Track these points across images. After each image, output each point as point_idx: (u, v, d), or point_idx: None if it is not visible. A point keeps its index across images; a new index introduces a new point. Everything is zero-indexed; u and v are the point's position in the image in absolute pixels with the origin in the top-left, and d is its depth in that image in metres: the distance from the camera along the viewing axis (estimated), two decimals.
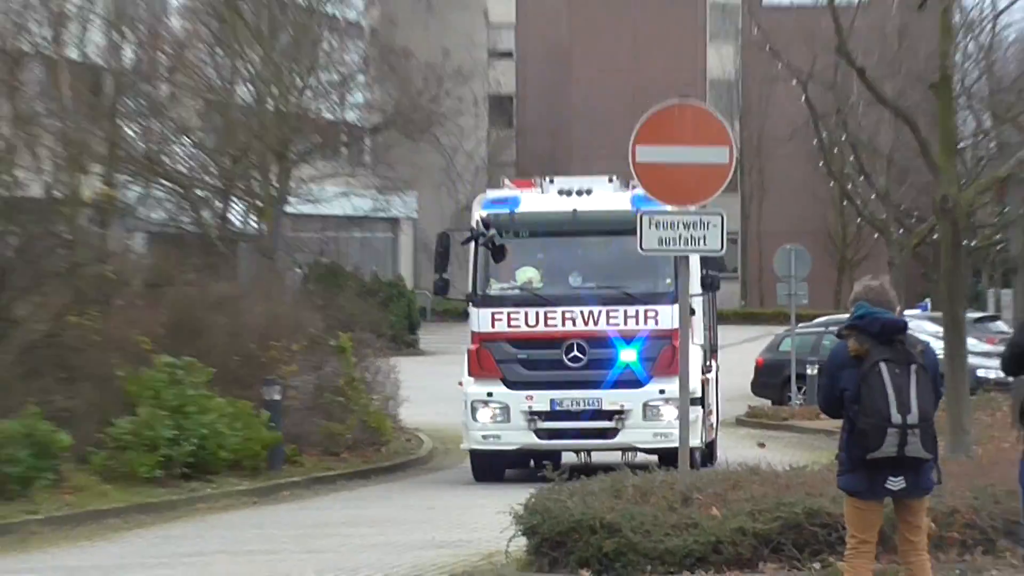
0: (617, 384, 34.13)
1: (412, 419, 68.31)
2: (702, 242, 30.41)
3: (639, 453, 42.42)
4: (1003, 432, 19.77)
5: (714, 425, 44.01)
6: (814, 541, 25.47)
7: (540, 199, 37.09)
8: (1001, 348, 19.98)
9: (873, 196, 56.40)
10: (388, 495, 51.83)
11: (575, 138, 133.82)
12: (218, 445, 45.59)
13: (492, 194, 38.24)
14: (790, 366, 63.47)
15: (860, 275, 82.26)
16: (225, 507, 43.44)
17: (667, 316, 33.77)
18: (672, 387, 33.01)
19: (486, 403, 34.63)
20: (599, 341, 33.90)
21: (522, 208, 34.15)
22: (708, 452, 42.27)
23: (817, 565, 25.35)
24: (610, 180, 41.29)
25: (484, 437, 34.95)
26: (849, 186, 59.61)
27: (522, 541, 25.96)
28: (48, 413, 42.40)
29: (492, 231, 33.22)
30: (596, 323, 33.61)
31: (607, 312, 33.67)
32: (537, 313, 34.02)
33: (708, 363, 43.81)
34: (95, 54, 53.17)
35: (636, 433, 33.59)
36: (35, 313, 45.55)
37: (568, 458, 48.55)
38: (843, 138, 54.62)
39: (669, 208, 31.35)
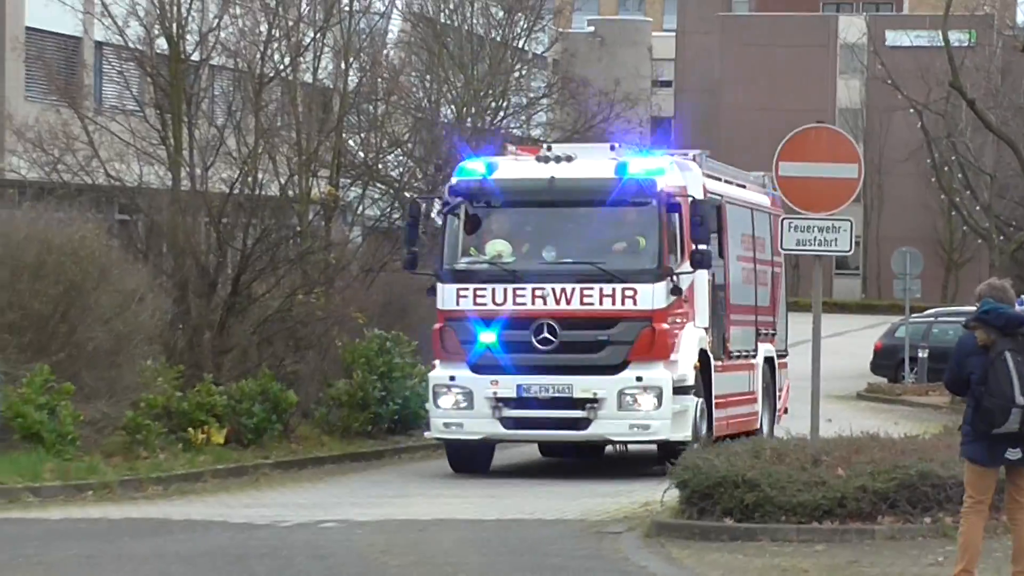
0: (590, 370, 28.99)
1: None
2: (834, 244, 29.67)
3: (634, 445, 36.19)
4: None
5: (757, 416, 37.32)
6: (925, 499, 25.32)
7: (518, 165, 31.78)
8: None
9: (977, 208, 56.00)
10: None
11: (723, 157, 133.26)
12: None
13: (469, 160, 32.80)
14: (904, 350, 63.75)
15: (964, 275, 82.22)
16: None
17: (647, 296, 28.77)
18: (651, 373, 28.99)
19: (448, 388, 29.78)
20: (571, 322, 29.00)
21: (496, 175, 29.51)
22: None
23: (928, 520, 24.92)
24: (612, 148, 35.33)
25: (446, 425, 30.09)
26: (957, 199, 59.03)
27: (674, 493, 25.99)
28: (279, 375, 43.49)
29: (458, 199, 29.11)
30: (569, 302, 28.69)
31: (581, 290, 28.71)
32: (505, 290, 29.14)
33: (750, 347, 37.42)
34: (325, 78, 53.08)
35: (610, 424, 28.52)
36: (270, 292, 46.76)
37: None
38: (952, 158, 54.25)
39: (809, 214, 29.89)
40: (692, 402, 29.24)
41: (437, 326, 30.48)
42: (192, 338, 43.30)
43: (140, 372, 34.92)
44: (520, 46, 69.47)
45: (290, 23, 50.84)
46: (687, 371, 29.15)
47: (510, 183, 29.79)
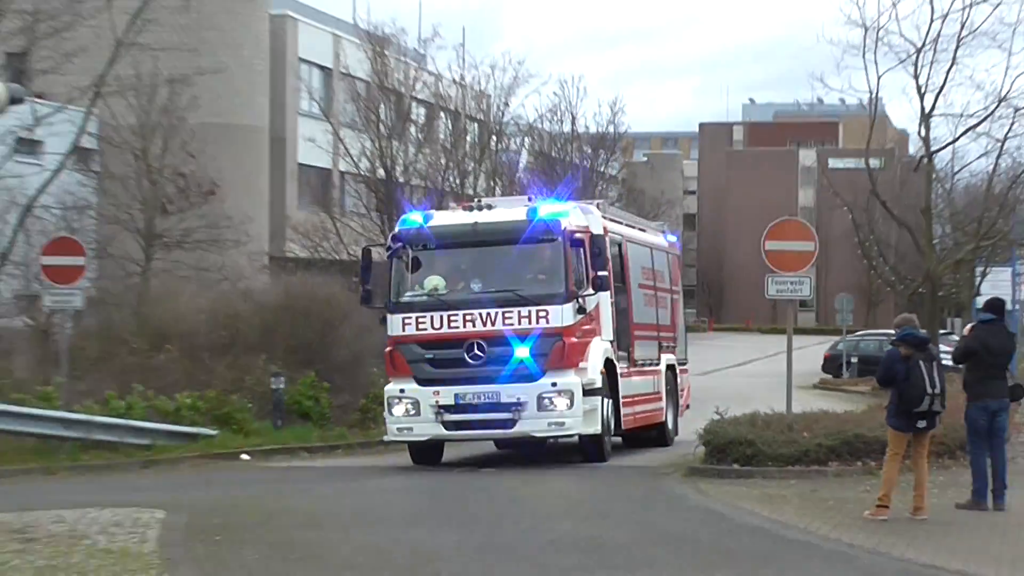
0: (513, 379, 25.84)
1: None
2: (800, 291, 30.02)
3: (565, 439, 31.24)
4: (959, 395, 19.78)
5: (661, 411, 32.85)
6: (859, 451, 25.78)
7: (449, 215, 28.56)
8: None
9: (886, 268, 54.70)
10: None
11: (728, 241, 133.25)
12: None
13: (410, 213, 29.16)
14: (842, 357, 63.30)
15: (879, 311, 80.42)
16: None
17: (557, 315, 25.78)
18: (563, 380, 25.95)
19: (399, 399, 26.24)
20: (496, 340, 25.84)
21: (431, 223, 26.47)
22: (658, 435, 32.76)
23: (860, 464, 25.29)
24: (529, 199, 31.18)
25: (399, 429, 26.44)
26: (873, 263, 57.74)
27: (701, 450, 26.02)
28: None
29: (399, 244, 26.11)
30: (493, 324, 25.66)
31: (503, 313, 25.66)
32: (441, 316, 25.92)
33: (654, 356, 33.09)
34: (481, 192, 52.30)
35: (532, 423, 25.61)
36: None
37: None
38: (871, 237, 52.87)
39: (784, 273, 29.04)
40: (599, 401, 26.36)
41: (388, 349, 26.97)
42: None
43: (369, 375, 34.65)
44: (601, 170, 68.91)
45: (459, 157, 50.37)
46: (595, 376, 26.40)
47: (442, 229, 26.72)
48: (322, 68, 64.69)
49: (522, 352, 26.11)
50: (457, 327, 26.46)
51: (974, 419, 21.05)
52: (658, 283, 33.80)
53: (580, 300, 26.57)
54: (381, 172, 47.25)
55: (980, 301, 52.37)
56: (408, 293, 27.18)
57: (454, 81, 55.59)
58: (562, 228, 26.40)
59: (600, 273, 26.84)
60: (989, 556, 16.66)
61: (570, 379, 26.07)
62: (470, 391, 26.38)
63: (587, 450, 27.53)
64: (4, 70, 28.25)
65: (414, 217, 27.79)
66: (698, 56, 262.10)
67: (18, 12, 31.24)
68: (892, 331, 27.34)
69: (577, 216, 27.04)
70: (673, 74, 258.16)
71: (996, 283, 59.43)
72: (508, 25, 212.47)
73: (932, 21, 43.90)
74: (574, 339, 26.42)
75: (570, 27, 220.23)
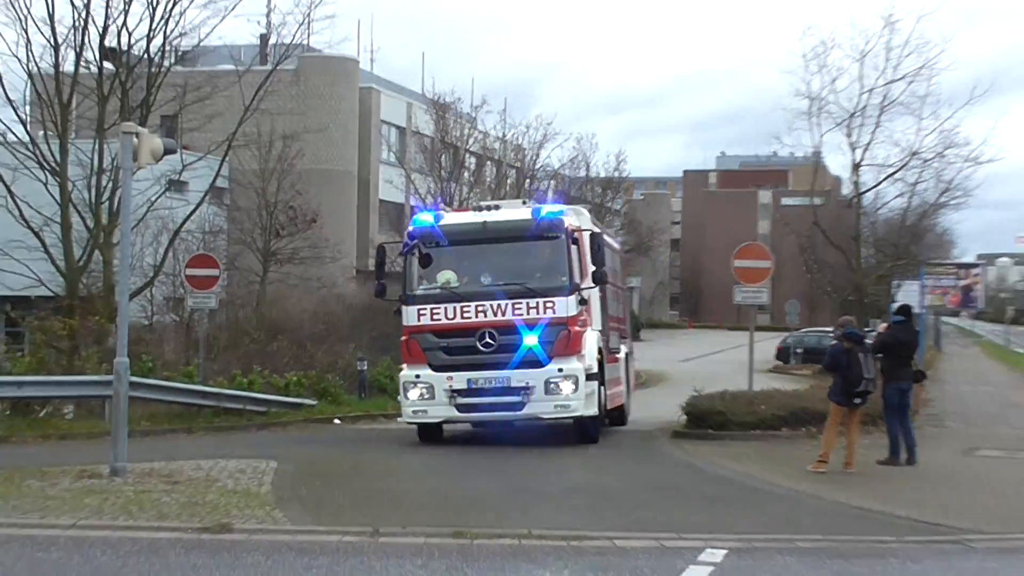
0: (522, 365, 23.07)
1: None
2: (760, 298, 29.29)
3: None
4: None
5: (622, 394, 29.60)
6: (803, 420, 25.20)
7: (458, 216, 25.60)
8: None
9: (826, 281, 54.22)
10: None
11: (704, 256, 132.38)
12: None
13: (422, 214, 26.44)
14: (791, 349, 62.45)
15: (818, 313, 78.70)
16: None
17: (563, 306, 23.13)
18: (568, 366, 23.25)
19: (415, 384, 23.30)
20: (506, 329, 23.09)
21: (442, 223, 23.77)
22: (619, 415, 29.05)
23: (804, 430, 24.75)
24: (524, 203, 28.95)
25: (414, 412, 23.44)
26: (816, 276, 57.15)
27: (684, 418, 25.74)
28: None
29: (416, 241, 23.29)
30: (503, 314, 22.93)
31: (512, 304, 22.90)
32: (455, 308, 23.12)
33: (618, 346, 29.86)
34: None
35: (540, 406, 22.88)
36: None
37: None
38: (813, 257, 52.43)
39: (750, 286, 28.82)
40: (596, 386, 23.82)
41: (404, 338, 23.76)
42: None
43: None
44: (609, 205, 68.57)
45: (501, 196, 49.88)
46: (593, 363, 23.78)
47: (453, 227, 23.70)
48: (398, 127, 64.84)
49: (531, 340, 23.10)
50: (469, 317, 23.30)
51: (890, 397, 21.28)
52: (617, 280, 31.45)
53: (581, 293, 23.76)
54: (442, 205, 47.38)
55: (894, 307, 52.80)
56: (422, 287, 23.99)
57: (498, 138, 55.67)
58: (565, 226, 23.79)
59: (600, 268, 24.08)
60: (901, 499, 16.74)
61: (575, 365, 23.19)
62: (482, 376, 23.14)
63: (586, 431, 24.22)
64: (160, 128, 28.27)
65: (425, 217, 24.83)
66: (684, 119, 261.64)
67: (171, 85, 31.42)
68: (830, 329, 27.57)
69: (572, 217, 24.54)
70: (665, 132, 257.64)
71: (907, 293, 59.37)
72: (542, 94, 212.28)
73: (861, 94, 44.26)
74: (577, 328, 23.57)
75: (588, 96, 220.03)
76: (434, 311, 23.43)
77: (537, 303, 23.27)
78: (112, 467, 17.96)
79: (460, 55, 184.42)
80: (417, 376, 23.35)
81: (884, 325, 24.57)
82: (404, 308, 23.80)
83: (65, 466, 18.79)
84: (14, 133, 30.35)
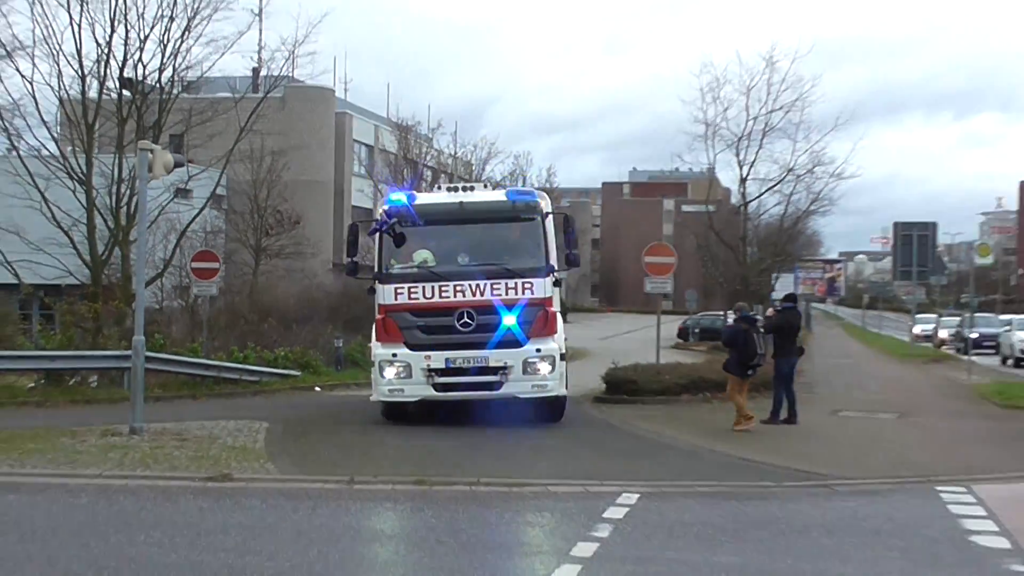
0: (500, 344, 20.17)
1: None
2: (665, 287, 28.51)
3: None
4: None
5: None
6: (701, 387, 24.85)
7: (433, 196, 22.45)
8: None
9: (718, 273, 54.30)
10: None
11: (620, 253, 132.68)
12: None
13: (394, 193, 23.16)
14: (689, 329, 62.48)
15: (712, 301, 78.82)
16: None
17: (541, 287, 20.15)
18: (546, 346, 20.19)
19: (391, 362, 20.26)
20: (485, 309, 20.14)
21: (418, 201, 20.76)
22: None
23: (700, 396, 24.37)
24: (484, 186, 26.16)
25: (390, 391, 20.41)
26: (709, 269, 57.10)
27: (603, 385, 25.66)
28: None
29: (394, 220, 20.19)
30: (482, 294, 19.97)
31: (491, 284, 19.99)
32: (432, 287, 20.07)
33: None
34: None
35: (517, 385, 20.08)
36: None
37: None
38: (708, 253, 52.48)
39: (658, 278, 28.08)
40: (564, 366, 20.80)
41: (379, 317, 20.29)
42: None
43: None
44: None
45: None
46: (562, 344, 20.70)
47: (430, 207, 20.48)
48: (367, 145, 64.57)
49: (509, 320, 19.73)
50: (448, 297, 19.81)
51: (781, 368, 21.35)
52: None
53: (555, 274, 20.43)
54: None
55: (776, 295, 53.40)
56: (398, 265, 20.32)
57: (451, 155, 55.47)
58: (540, 208, 20.53)
59: (575, 251, 20.99)
60: (780, 452, 16.81)
61: (551, 346, 20.01)
62: (460, 356, 19.75)
63: (557, 409, 21.05)
64: (169, 145, 28.09)
65: (399, 196, 21.08)
66: (604, 140, 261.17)
67: (179, 110, 31.49)
68: (721, 312, 27.45)
69: (543, 201, 21.13)
70: (587, 151, 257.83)
71: (785, 283, 60.30)
72: (488, 118, 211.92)
73: (747, 121, 44.70)
74: (552, 309, 20.34)
75: (526, 120, 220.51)
76: (411, 290, 19.83)
77: (516, 284, 19.97)
78: (131, 427, 17.92)
79: (420, 85, 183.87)
80: (394, 355, 19.75)
81: (771, 310, 24.83)
82: (379, 287, 20.17)
83: (91, 426, 18.76)
84: (47, 149, 30.37)
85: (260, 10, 33.13)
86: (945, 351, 51.69)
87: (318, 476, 14.20)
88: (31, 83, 28.99)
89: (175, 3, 29.58)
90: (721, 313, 58.30)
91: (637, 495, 12.70)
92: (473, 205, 20.51)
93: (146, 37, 29.69)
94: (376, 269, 20.17)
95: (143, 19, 29.51)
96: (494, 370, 19.66)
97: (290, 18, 66.67)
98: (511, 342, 19.71)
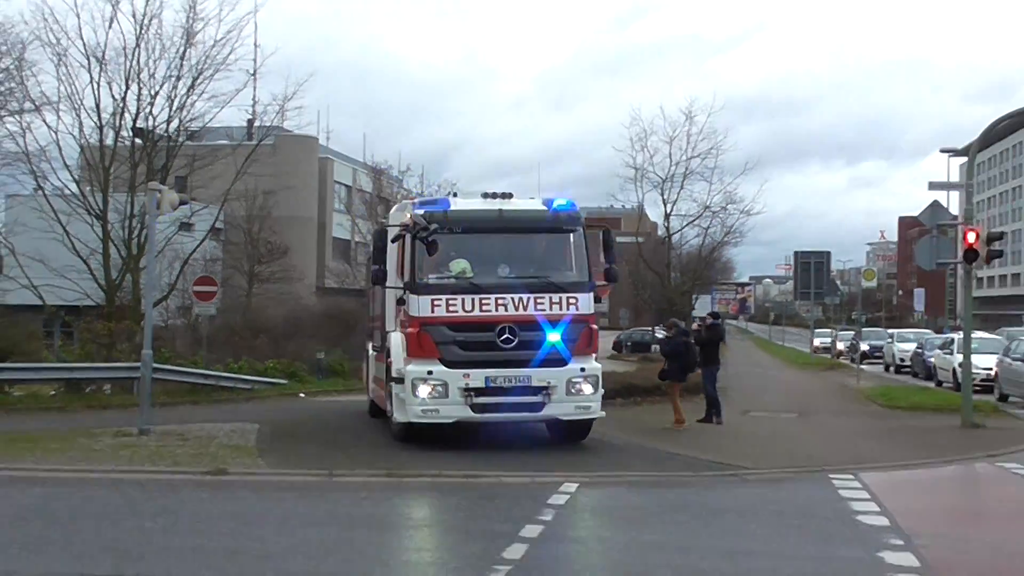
0: (544, 363, 16.20)
1: None
2: (604, 308, 27.82)
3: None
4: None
5: None
6: (633, 392, 24.42)
7: (467, 202, 18.07)
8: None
9: (646, 294, 54.58)
10: None
11: None
12: None
13: (422, 199, 20.04)
14: (622, 342, 61.48)
15: (641, 319, 78.13)
16: None
17: (585, 302, 16.72)
18: (589, 365, 16.64)
19: (426, 380, 15.88)
20: (528, 325, 16.25)
21: (454, 208, 16.99)
22: None
23: (632, 400, 23.91)
24: (531, 198, 19.94)
25: (424, 411, 15.97)
26: (640, 291, 57.42)
27: None
28: None
29: (434, 226, 16.23)
30: (524, 308, 16.16)
31: (534, 299, 16.28)
32: (473, 300, 16.09)
33: None
34: None
35: (561, 407, 16.38)
36: None
37: None
38: (639, 278, 52.81)
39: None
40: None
41: (411, 330, 16.35)
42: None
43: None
44: None
45: None
46: (600, 363, 17.31)
47: (468, 214, 16.85)
48: (346, 186, 64.29)
49: (554, 337, 15.95)
50: (489, 310, 15.93)
51: (711, 374, 21.23)
52: None
53: (595, 290, 16.84)
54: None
55: (696, 313, 53.74)
56: (433, 275, 16.31)
57: (419, 194, 55.39)
58: (582, 220, 17.14)
59: (614, 266, 17.35)
60: (699, 446, 16.83)
61: (594, 365, 16.43)
62: (501, 374, 15.83)
63: (582, 429, 17.13)
64: (175, 186, 28.05)
65: (429, 202, 17.38)
66: (551, 181, 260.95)
67: (184, 155, 31.58)
68: (650, 328, 27.25)
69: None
70: (536, 191, 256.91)
71: (703, 303, 60.62)
72: (451, 162, 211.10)
73: (670, 166, 45.58)
74: (595, 326, 16.76)
75: (484, 163, 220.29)
76: (450, 302, 15.92)
77: (560, 299, 16.18)
78: (140, 428, 17.71)
79: (394, 134, 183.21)
80: (429, 372, 15.77)
81: (696, 324, 25.12)
82: (412, 297, 16.09)
83: (106, 428, 18.55)
84: (69, 189, 30.29)
85: (255, 71, 33.24)
86: (842, 360, 52.22)
87: (302, 470, 14.08)
88: (56, 132, 29.10)
89: (181, 65, 29.77)
90: (649, 328, 58.52)
91: (576, 484, 12.68)
92: (513, 214, 16.67)
93: (156, 94, 29.79)
94: (407, 278, 16.22)
95: (154, 78, 29.69)
96: (536, 390, 15.83)
97: (280, 78, 66.87)
98: (555, 360, 15.94)
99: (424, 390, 15.68)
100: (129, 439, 17.12)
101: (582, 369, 16.02)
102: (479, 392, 15.69)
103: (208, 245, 38.79)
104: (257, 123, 37.76)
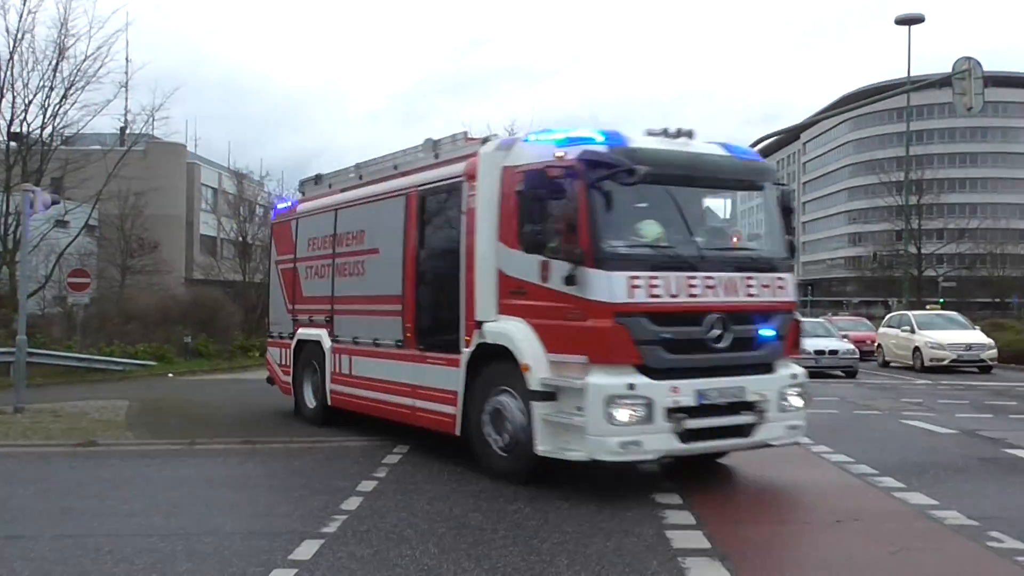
0: (752, 369, 8.42)
1: None
2: None
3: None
4: None
5: None
6: None
7: (649, 139, 8.44)
8: None
9: None
10: None
11: None
12: None
13: (571, 134, 8.53)
14: None
15: None
16: None
17: (791, 286, 8.83)
18: (799, 371, 9.28)
19: (627, 399, 7.51)
20: (739, 316, 8.20)
21: (633, 146, 7.72)
22: None
23: None
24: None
25: (623, 445, 7.47)
26: None
27: None
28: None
29: (644, 168, 7.20)
30: (737, 293, 8.08)
31: (746, 280, 8.18)
32: (678, 280, 7.70)
33: None
34: None
35: (772, 428, 8.52)
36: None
37: None
38: None
39: None
40: None
41: (600, 322, 8.06)
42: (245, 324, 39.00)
43: (232, 337, 33.74)
44: None
45: None
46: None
47: (655, 155, 8.45)
48: (213, 188, 62.88)
49: (768, 333, 9.61)
50: (697, 295, 9.08)
51: None
52: None
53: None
54: (239, 238, 46.13)
55: None
56: (619, 241, 8.88)
57: (278, 195, 54.63)
58: (775, 175, 10.57)
59: (793, 237, 10.36)
60: None
61: (801, 371, 10.02)
62: (714, 386, 9.14)
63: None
64: (50, 186, 27.16)
65: (598, 135, 9.17)
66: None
67: (58, 159, 30.74)
68: None
69: None
70: None
71: None
72: (312, 167, 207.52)
73: None
74: (800, 317, 10.35)
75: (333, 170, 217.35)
76: (652, 283, 8.96)
77: (771, 280, 9.74)
78: (15, 407, 17.00)
79: (256, 143, 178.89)
80: (630, 386, 8.79)
81: None
82: (597, 274, 8.83)
83: None
84: None
85: (126, 84, 32.59)
86: None
87: (167, 440, 13.83)
88: None
89: (54, 77, 28.93)
90: None
91: (408, 447, 12.81)
92: (709, 161, 9.80)
93: (30, 102, 28.92)
94: (584, 246, 8.89)
95: (27, 88, 28.89)
96: (750, 406, 9.50)
97: (148, 90, 65.10)
98: (763, 366, 9.70)
99: (624, 413, 8.71)
100: (3, 417, 16.40)
101: (793, 376, 9.89)
102: (690, 413, 9.03)
103: (83, 240, 37.65)
104: (128, 130, 36.78)
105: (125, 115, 36.91)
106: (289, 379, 15.93)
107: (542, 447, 9.22)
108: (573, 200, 8.84)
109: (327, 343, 14.17)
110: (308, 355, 15.05)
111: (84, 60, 28.91)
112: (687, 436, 8.99)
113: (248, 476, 11.25)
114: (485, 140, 10.53)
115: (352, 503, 9.15)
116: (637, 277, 8.83)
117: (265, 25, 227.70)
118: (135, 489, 10.19)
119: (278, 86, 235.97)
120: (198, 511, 9.07)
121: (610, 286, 8.78)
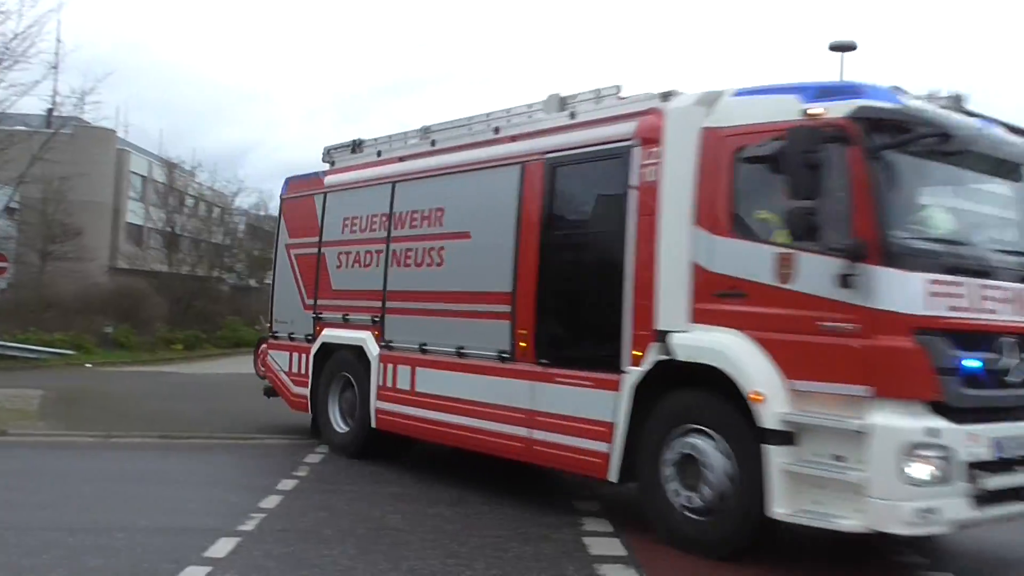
0: None
1: None
2: None
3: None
4: None
5: None
6: None
7: (912, 100, 4.83)
8: None
9: None
10: None
11: None
12: None
13: (817, 84, 5.35)
14: None
15: None
16: None
17: None
18: None
19: (927, 449, 4.32)
20: None
21: (930, 116, 4.48)
22: None
23: None
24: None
25: (921, 513, 4.26)
26: None
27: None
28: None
29: (966, 131, 4.39)
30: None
31: None
32: (974, 290, 4.62)
33: None
34: None
35: None
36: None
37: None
38: None
39: None
40: None
41: (892, 342, 5.00)
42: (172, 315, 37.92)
43: (156, 328, 33.05)
44: None
45: (209, 224, 47.91)
46: None
47: (965, 131, 5.16)
48: (141, 176, 61.52)
49: None
50: (992, 311, 6.09)
51: None
52: None
53: None
54: (168, 228, 45.21)
55: None
56: (910, 233, 5.94)
57: (209, 187, 53.87)
58: None
59: None
60: None
61: None
62: (1010, 434, 6.00)
63: None
64: None
65: (883, 91, 5.98)
66: None
67: None
68: None
69: None
70: None
71: None
72: (247, 161, 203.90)
73: None
74: None
75: (278, 164, 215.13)
76: (952, 290, 6.09)
77: None
78: None
79: (193, 131, 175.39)
80: (932, 431, 5.80)
81: None
82: (886, 273, 5.87)
83: None
84: None
85: (56, 65, 31.68)
86: None
87: (81, 431, 13.46)
88: None
89: None
90: None
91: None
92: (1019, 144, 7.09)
93: None
94: (868, 236, 6.01)
95: None
96: None
97: (80, 73, 63.68)
98: None
99: (923, 469, 6.01)
100: None
101: None
102: (990, 468, 6.35)
103: (2, 224, 36.57)
104: (56, 112, 35.82)
105: (54, 97, 36.05)
106: (305, 392, 12.31)
107: (780, 509, 6.38)
108: (845, 174, 6.12)
109: (373, 349, 10.81)
110: (338, 364, 11.60)
111: (13, 39, 28.25)
112: (986, 500, 6.29)
113: (165, 471, 11.03)
114: (666, 95, 7.75)
115: (271, 501, 9.05)
116: (940, 282, 6.18)
117: (206, 17, 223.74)
118: (46, 481, 9.91)
119: (216, 78, 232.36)
120: (111, 505, 8.86)
121: (906, 291, 6.06)
